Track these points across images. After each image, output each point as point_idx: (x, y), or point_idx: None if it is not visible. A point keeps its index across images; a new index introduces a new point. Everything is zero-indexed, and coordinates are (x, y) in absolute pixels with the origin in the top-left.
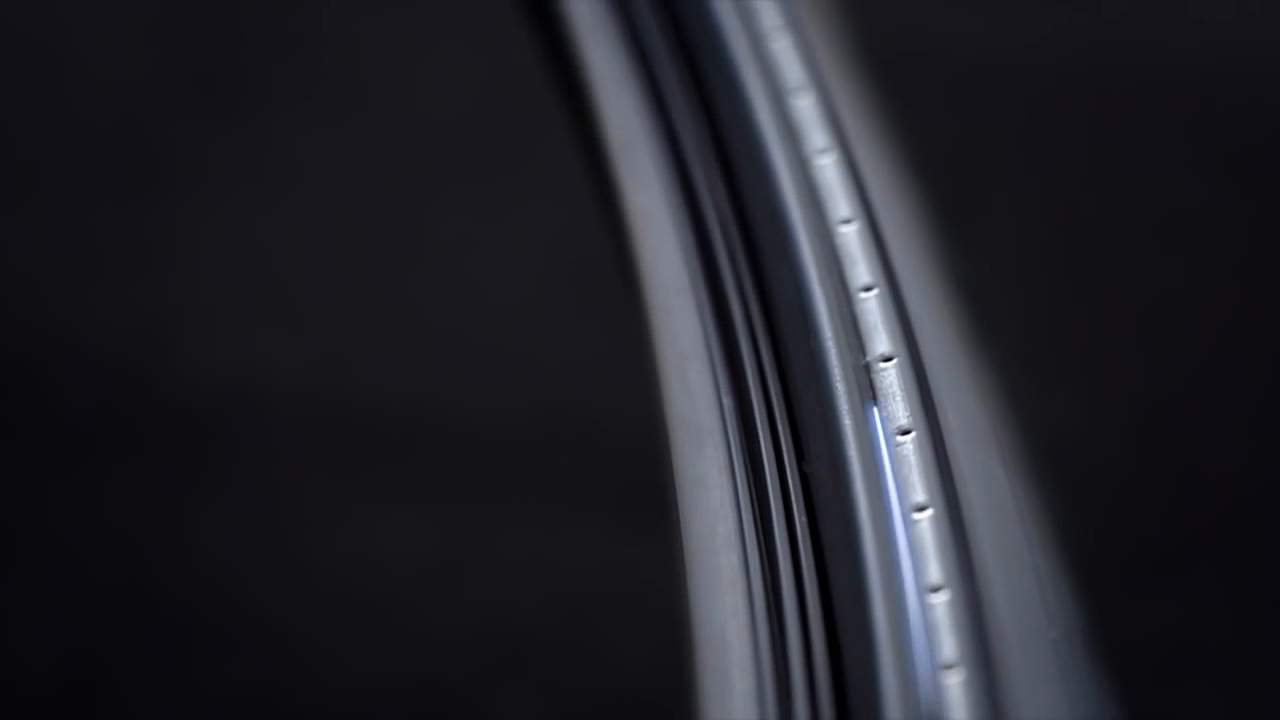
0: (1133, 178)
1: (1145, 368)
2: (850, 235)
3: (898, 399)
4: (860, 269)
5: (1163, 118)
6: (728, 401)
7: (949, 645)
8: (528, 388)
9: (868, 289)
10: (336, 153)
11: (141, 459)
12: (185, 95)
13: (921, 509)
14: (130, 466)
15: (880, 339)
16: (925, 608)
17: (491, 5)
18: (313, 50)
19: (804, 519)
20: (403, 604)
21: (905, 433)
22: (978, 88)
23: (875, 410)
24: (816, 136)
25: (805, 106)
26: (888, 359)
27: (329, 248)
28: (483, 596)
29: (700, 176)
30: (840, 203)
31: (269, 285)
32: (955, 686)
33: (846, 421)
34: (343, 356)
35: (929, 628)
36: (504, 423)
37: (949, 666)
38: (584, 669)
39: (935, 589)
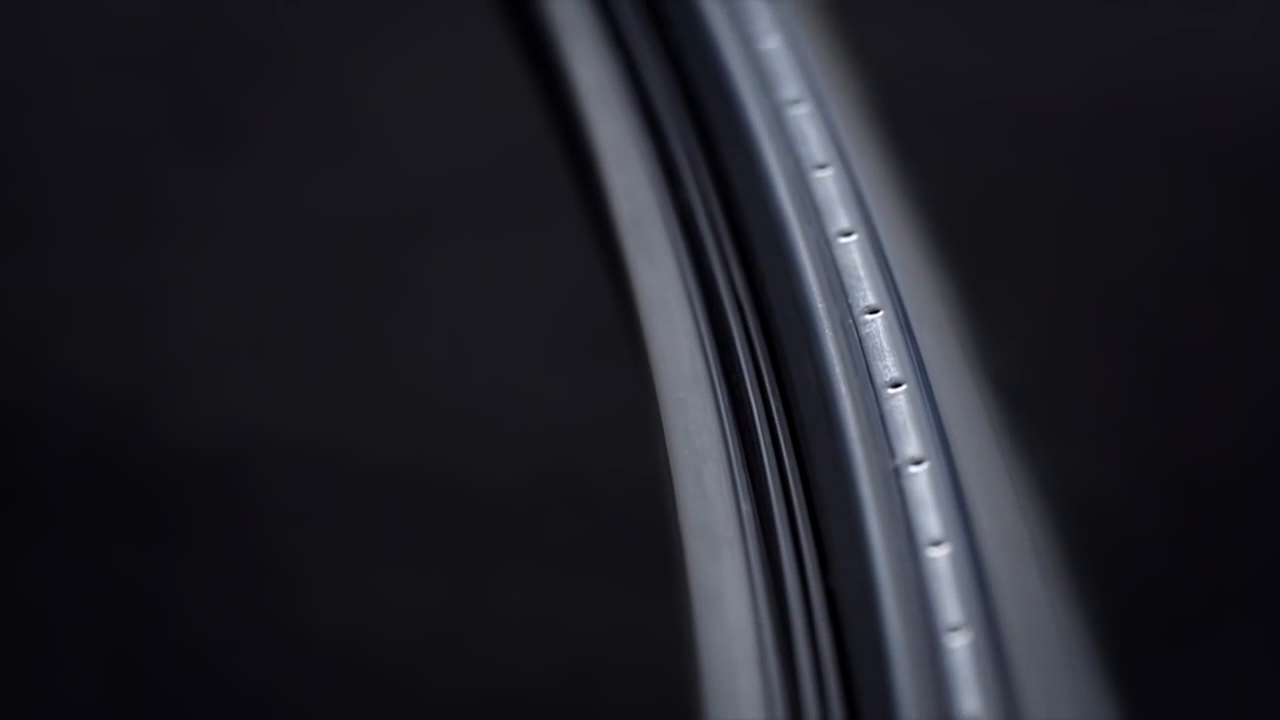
0: (1157, 222)
1: (1171, 420)
2: (876, 325)
3: (930, 508)
4: (888, 362)
5: (1187, 162)
6: (746, 507)
7: None
8: (531, 445)
9: (896, 385)
10: (331, 201)
11: (128, 517)
12: (176, 141)
13: (958, 629)
14: (116, 525)
15: (910, 440)
16: None
17: (488, 50)
18: (307, 95)
19: (829, 638)
20: (403, 667)
21: (938, 544)
22: (998, 130)
23: (907, 520)
24: (840, 215)
25: (827, 180)
26: (918, 462)
27: (324, 298)
28: (484, 658)
29: (715, 256)
30: (865, 288)
31: (262, 337)
32: None
33: (875, 532)
34: (339, 411)
35: None
36: (506, 481)
37: None
38: None
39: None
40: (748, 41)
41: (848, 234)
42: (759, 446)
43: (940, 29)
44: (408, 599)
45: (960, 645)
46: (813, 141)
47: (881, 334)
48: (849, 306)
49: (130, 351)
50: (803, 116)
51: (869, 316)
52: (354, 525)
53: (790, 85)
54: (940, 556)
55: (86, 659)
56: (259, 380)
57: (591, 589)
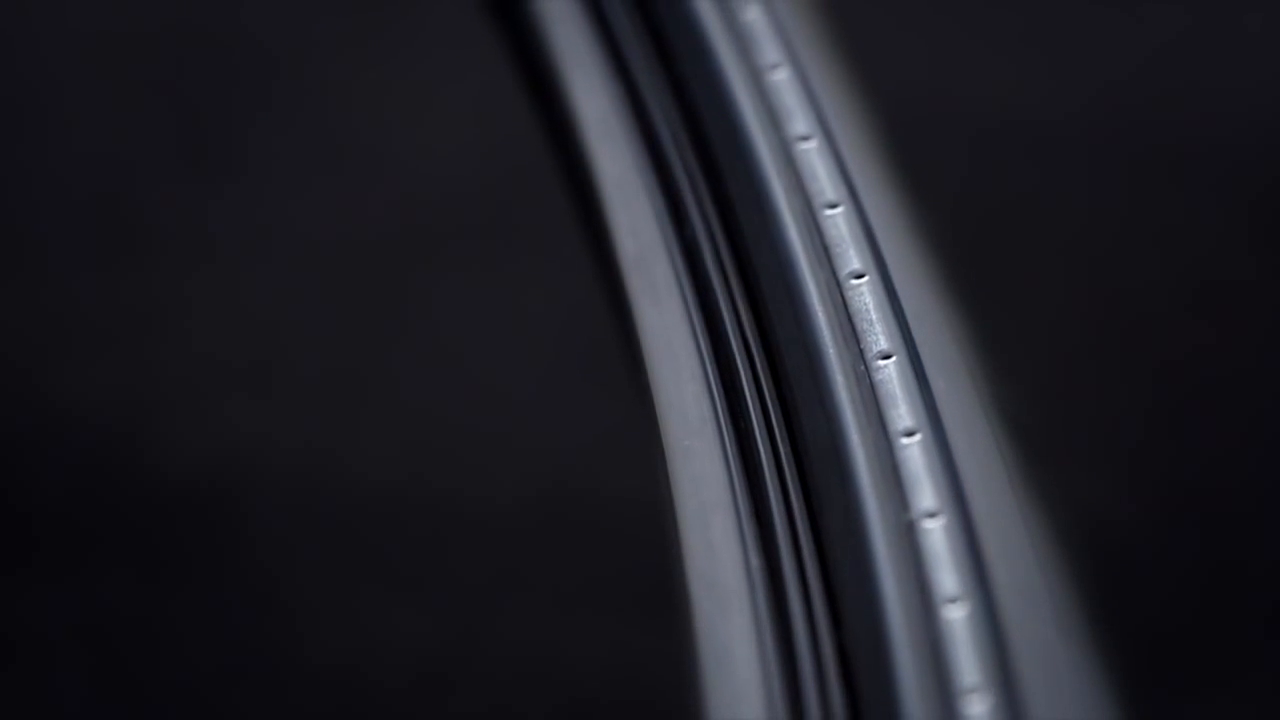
0: (1167, 243)
1: (1185, 447)
2: (890, 371)
3: (947, 564)
4: (901, 410)
5: (1197, 181)
6: (755, 560)
7: None
8: (532, 471)
9: (910, 434)
10: (327, 221)
11: (124, 545)
12: (171, 162)
13: (976, 692)
14: (111, 552)
15: (925, 492)
16: None
17: (487, 70)
18: (303, 115)
19: (842, 700)
20: (403, 697)
21: (955, 601)
22: (1006, 150)
23: (922, 576)
24: (851, 257)
25: (838, 220)
26: (933, 514)
27: (324, 321)
28: (485, 689)
29: (722, 297)
30: (878, 332)
31: (258, 362)
32: None
33: (890, 590)
34: (338, 436)
35: None
36: (508, 508)
37: None
38: None
39: None
40: (756, 74)
41: (859, 276)
42: (768, 497)
43: (946, 50)
44: (409, 628)
45: (978, 709)
46: (823, 179)
47: (895, 381)
48: (861, 352)
49: (125, 375)
50: (813, 152)
51: (881, 362)
52: (354, 553)
53: (800, 120)
54: (957, 616)
55: (81, 688)
56: (257, 405)
57: (594, 619)
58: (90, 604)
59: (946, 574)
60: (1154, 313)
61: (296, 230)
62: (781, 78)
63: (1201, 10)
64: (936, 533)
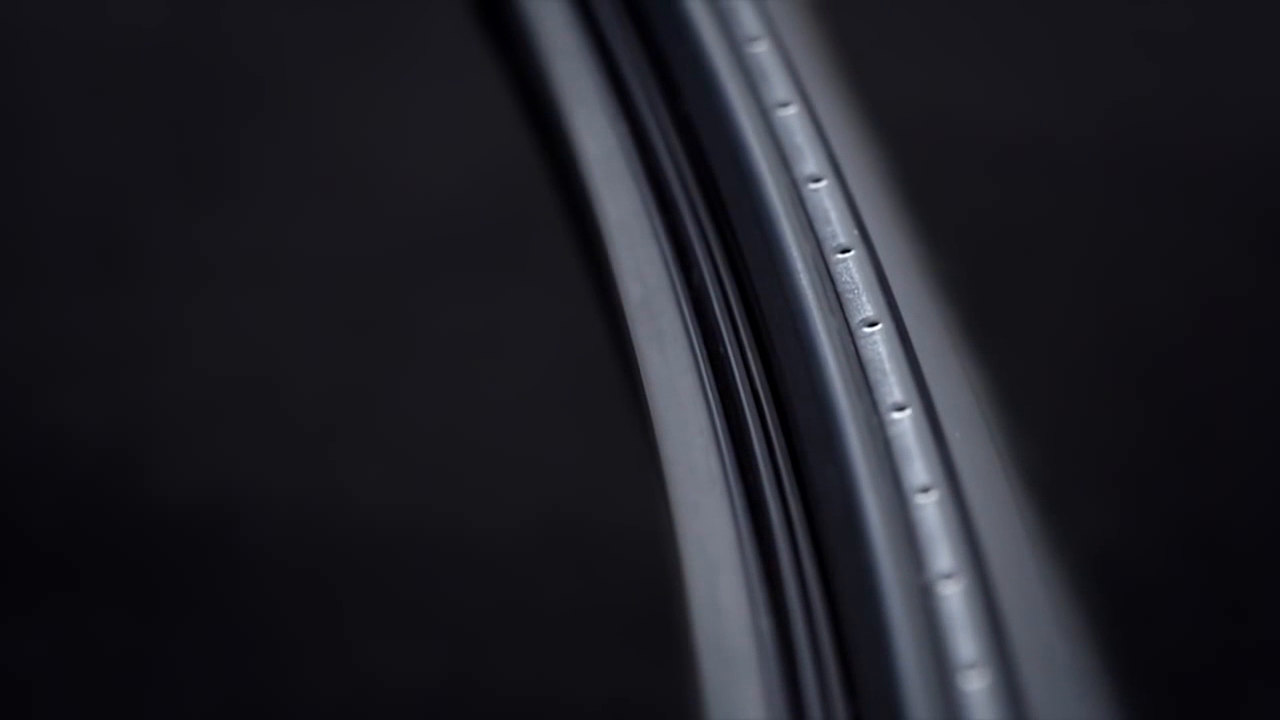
0: (1179, 269)
1: (1196, 479)
2: (905, 424)
3: (965, 629)
4: (916, 466)
5: (1211, 206)
6: (765, 623)
7: None
8: (532, 503)
9: (925, 490)
10: (323, 245)
11: (115, 579)
12: (165, 184)
13: None
14: (103, 588)
15: (942, 553)
16: None
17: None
18: (299, 138)
19: None
20: None
21: (973, 668)
22: (1018, 172)
23: (939, 641)
24: (864, 304)
25: (850, 265)
26: (950, 576)
27: (318, 348)
28: None
29: (730, 346)
30: (891, 383)
31: (253, 389)
32: None
33: (906, 655)
34: (333, 467)
35: None
36: (506, 541)
37: None
38: None
39: None
40: (765, 112)
41: (873, 324)
42: (778, 557)
43: (955, 76)
44: (404, 664)
45: None
46: (835, 222)
47: (910, 434)
48: (874, 404)
49: (119, 402)
50: (823, 193)
51: (896, 415)
52: (350, 585)
53: (810, 160)
54: (976, 686)
55: None
56: (252, 433)
57: (593, 655)
58: (79, 637)
59: (964, 640)
60: (1168, 343)
61: (293, 255)
62: (791, 115)
63: (1215, 33)
64: (954, 597)
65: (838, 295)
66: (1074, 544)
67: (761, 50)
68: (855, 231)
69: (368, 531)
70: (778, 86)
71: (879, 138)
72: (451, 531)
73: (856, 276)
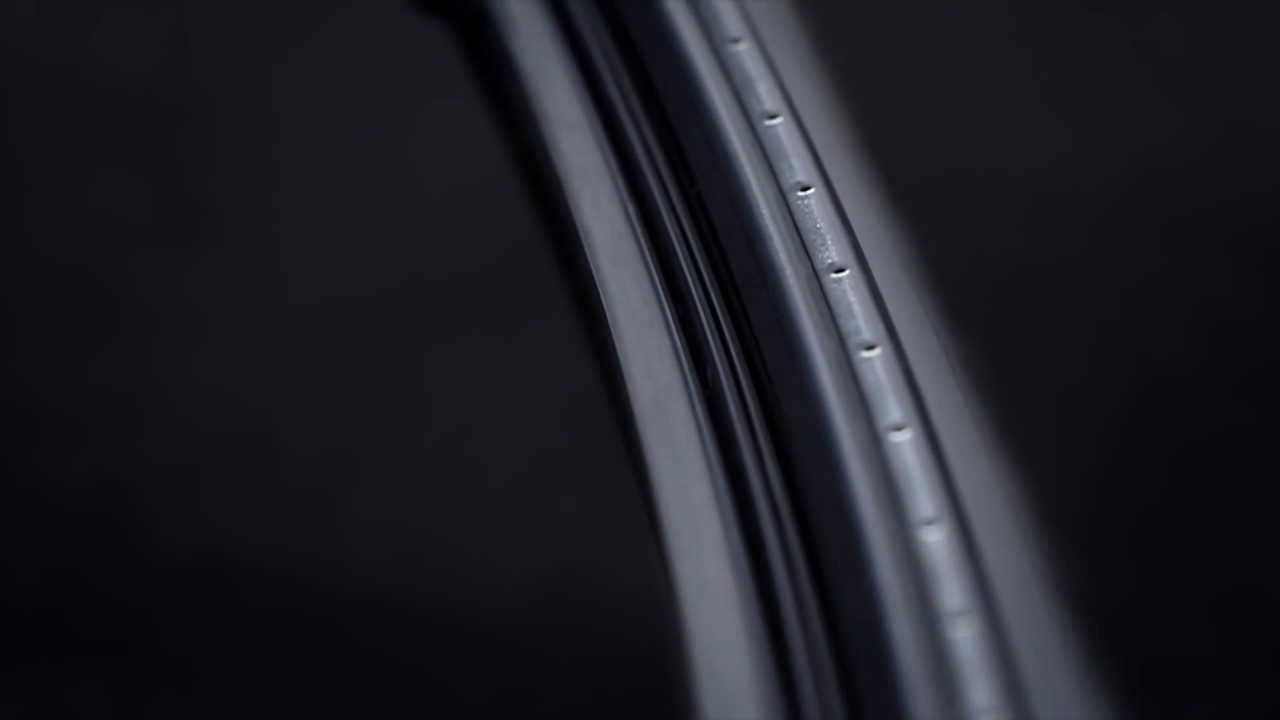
0: (1201, 316)
1: (1220, 533)
2: (936, 546)
3: (978, 675)
4: (953, 587)
5: (1231, 252)
6: None
7: None
8: (532, 570)
9: (958, 613)
10: (312, 299)
11: (98, 650)
12: (149, 235)
13: None
14: (85, 659)
15: (980, 689)
16: None
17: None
18: (287, 186)
19: None
20: None
21: (988, 712)
22: (1038, 214)
23: (952, 690)
24: (891, 408)
25: (875, 363)
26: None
27: (309, 407)
28: None
29: (747, 451)
30: (921, 495)
31: (241, 450)
32: None
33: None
34: (325, 534)
35: None
36: (504, 613)
37: None
38: None
39: None
40: (784, 194)
41: (899, 429)
42: (801, 691)
43: (976, 119)
44: None
45: None
46: (859, 316)
47: (942, 551)
48: (905, 519)
49: (100, 465)
50: (845, 284)
51: (927, 529)
52: (342, 659)
53: (831, 248)
54: None
55: None
56: (240, 497)
57: None
58: (52, 712)
59: (979, 687)
60: (1187, 394)
61: (282, 307)
62: (809, 197)
63: (1240, 77)
64: (967, 642)
65: (862, 395)
66: (1088, 601)
67: (779, 123)
68: (880, 327)
69: (360, 604)
70: (799, 168)
71: (896, 190)
72: (447, 604)
73: (881, 375)
